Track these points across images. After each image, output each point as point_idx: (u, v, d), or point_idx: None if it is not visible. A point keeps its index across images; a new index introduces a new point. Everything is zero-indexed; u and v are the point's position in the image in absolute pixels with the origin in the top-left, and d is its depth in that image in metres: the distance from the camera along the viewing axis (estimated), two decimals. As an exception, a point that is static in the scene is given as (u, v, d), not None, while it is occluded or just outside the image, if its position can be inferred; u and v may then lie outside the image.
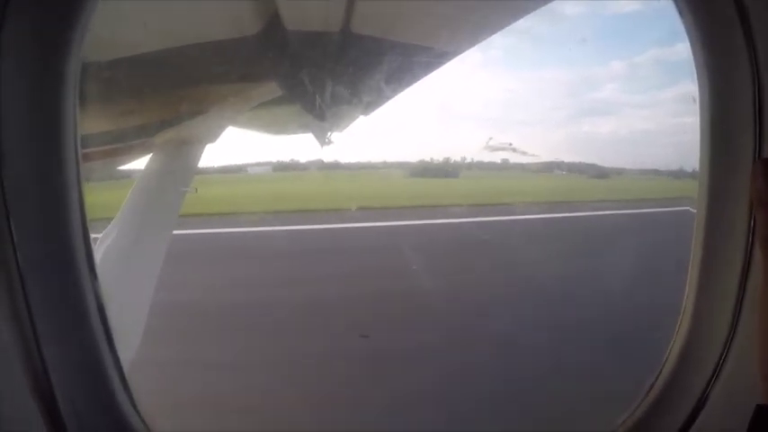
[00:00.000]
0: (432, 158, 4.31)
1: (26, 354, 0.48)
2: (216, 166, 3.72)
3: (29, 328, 0.48)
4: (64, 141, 0.48)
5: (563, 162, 4.53)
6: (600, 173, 4.64)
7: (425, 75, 1.40)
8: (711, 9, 0.53)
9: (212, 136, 1.42)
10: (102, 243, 1.18)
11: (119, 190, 1.35)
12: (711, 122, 0.56)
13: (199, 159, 1.42)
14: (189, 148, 1.39)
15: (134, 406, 0.55)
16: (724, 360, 0.59)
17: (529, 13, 1.11)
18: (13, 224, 0.47)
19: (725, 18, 0.52)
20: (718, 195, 0.56)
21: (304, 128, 1.89)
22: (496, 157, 4.07)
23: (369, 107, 1.70)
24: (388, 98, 1.62)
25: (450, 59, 1.32)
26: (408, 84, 1.47)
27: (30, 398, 0.48)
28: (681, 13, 0.55)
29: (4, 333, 0.46)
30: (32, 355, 0.48)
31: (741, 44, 0.52)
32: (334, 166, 3.92)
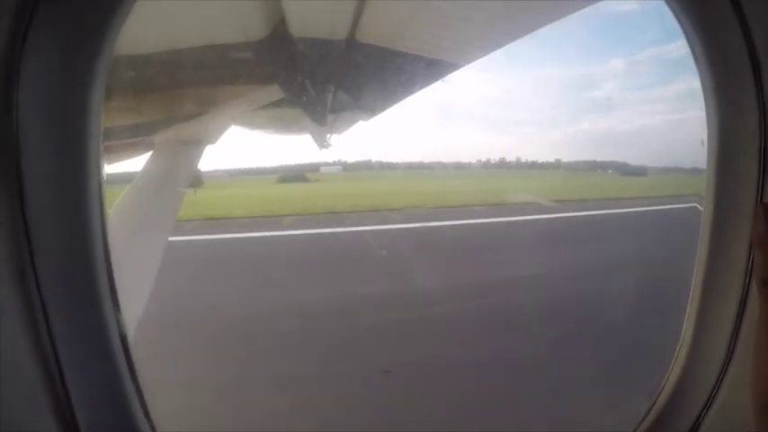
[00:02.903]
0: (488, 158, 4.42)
1: (42, 358, 0.47)
2: (289, 165, 3.92)
3: (45, 333, 0.47)
4: (87, 144, 0.47)
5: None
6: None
7: (430, 84, 1.41)
8: (724, 57, 0.55)
9: (213, 137, 1.42)
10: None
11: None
12: (717, 164, 0.58)
13: (199, 160, 1.42)
14: (190, 148, 1.38)
15: (146, 415, 0.54)
16: (717, 391, 0.61)
17: (535, 29, 1.11)
18: (30, 227, 0.46)
19: (736, 66, 0.55)
20: (719, 233, 0.58)
21: (304, 130, 1.90)
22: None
23: (372, 113, 1.70)
24: (392, 105, 1.63)
25: (454, 70, 1.33)
26: (412, 92, 1.47)
27: (45, 404, 0.48)
28: (691, 47, 0.57)
29: (19, 336, 0.46)
30: (48, 361, 0.48)
31: (750, 89, 0.55)
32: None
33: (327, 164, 4.17)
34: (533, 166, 4.56)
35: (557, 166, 4.73)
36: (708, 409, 0.61)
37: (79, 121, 0.46)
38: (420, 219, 3.85)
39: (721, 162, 0.57)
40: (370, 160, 3.96)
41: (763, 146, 0.55)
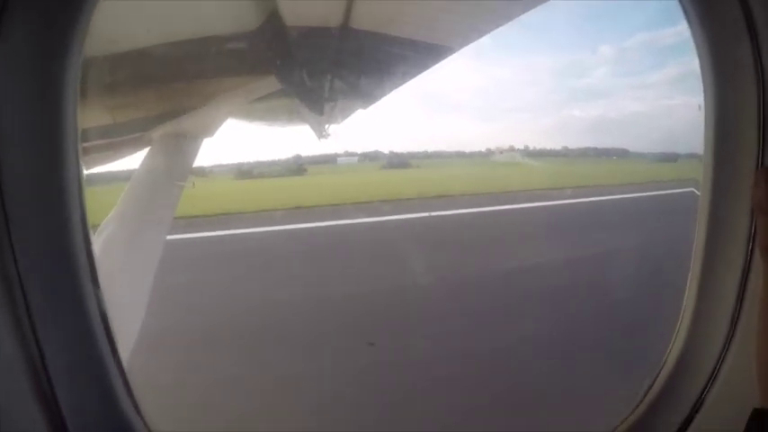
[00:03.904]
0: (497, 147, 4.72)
1: (28, 359, 0.47)
2: (309, 156, 4.28)
3: (30, 333, 0.47)
4: (64, 144, 0.47)
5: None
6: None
7: (425, 69, 1.40)
8: (719, 18, 0.54)
9: (211, 130, 1.41)
10: (99, 238, 1.16)
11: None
12: (716, 129, 0.56)
13: (196, 153, 1.41)
14: (187, 141, 1.37)
15: (137, 409, 0.54)
16: (722, 362, 0.59)
17: (528, 10, 1.10)
18: (12, 229, 0.46)
19: (732, 29, 0.53)
20: (720, 201, 0.57)
21: (302, 119, 1.89)
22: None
23: (369, 100, 1.70)
24: (387, 91, 1.62)
25: (449, 54, 1.32)
26: (407, 78, 1.46)
27: (33, 403, 0.48)
28: (690, 22, 0.56)
29: (5, 339, 0.46)
30: (35, 361, 0.48)
31: (747, 52, 0.53)
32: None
33: (339, 155, 4.44)
34: (542, 153, 4.82)
35: (564, 153, 4.86)
36: (712, 382, 0.60)
37: (54, 116, 0.46)
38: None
39: (720, 133, 0.56)
40: (378, 150, 4.42)
41: (761, 115, 0.54)
